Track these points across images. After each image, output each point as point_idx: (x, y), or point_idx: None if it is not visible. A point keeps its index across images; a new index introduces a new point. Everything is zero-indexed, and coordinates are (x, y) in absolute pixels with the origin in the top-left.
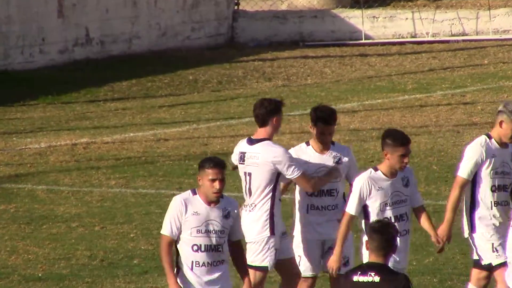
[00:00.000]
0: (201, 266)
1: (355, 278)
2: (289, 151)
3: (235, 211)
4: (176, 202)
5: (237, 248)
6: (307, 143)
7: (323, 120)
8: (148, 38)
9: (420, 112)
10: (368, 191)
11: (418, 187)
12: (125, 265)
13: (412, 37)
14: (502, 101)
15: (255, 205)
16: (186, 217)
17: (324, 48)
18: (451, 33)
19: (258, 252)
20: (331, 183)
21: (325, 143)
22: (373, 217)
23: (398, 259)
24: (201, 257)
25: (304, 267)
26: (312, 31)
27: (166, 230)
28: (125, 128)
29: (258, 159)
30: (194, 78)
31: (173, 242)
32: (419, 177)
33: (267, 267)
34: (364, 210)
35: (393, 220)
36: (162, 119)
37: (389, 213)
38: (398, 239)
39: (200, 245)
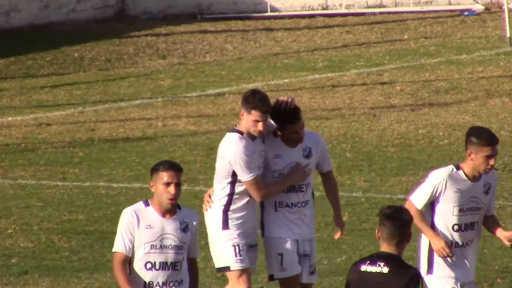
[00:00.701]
0: (155, 287)
1: (363, 267)
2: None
3: (194, 223)
4: (126, 214)
5: (191, 267)
6: (275, 134)
7: (289, 120)
8: (28, 10)
9: (332, 93)
10: (443, 189)
11: None
12: (2, 265)
13: (323, 9)
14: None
15: (214, 200)
16: (138, 231)
17: (225, 21)
18: (367, 4)
19: (215, 252)
20: None
21: (298, 141)
22: (440, 219)
23: (461, 273)
24: (156, 276)
25: (288, 265)
26: (211, 3)
27: (118, 246)
28: (2, 111)
29: (219, 151)
30: (80, 55)
31: (128, 260)
32: None
33: (228, 267)
34: (431, 208)
35: (462, 228)
36: (44, 101)
37: (460, 219)
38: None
39: (154, 262)
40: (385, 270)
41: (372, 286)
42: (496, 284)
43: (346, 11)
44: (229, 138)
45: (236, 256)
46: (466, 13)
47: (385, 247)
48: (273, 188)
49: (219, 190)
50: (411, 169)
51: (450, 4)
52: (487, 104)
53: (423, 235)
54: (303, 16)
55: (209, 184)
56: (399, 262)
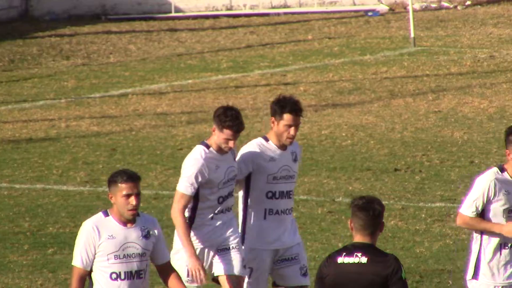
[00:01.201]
0: None
1: (340, 259)
2: (250, 146)
3: (155, 229)
4: (87, 228)
5: (168, 270)
6: (266, 139)
7: (290, 109)
8: None
9: (235, 94)
10: (492, 194)
11: None
12: None
13: (227, 9)
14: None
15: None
16: (100, 242)
17: (129, 22)
18: (271, 5)
19: (174, 264)
20: (290, 183)
21: (289, 138)
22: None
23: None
24: (121, 286)
25: (254, 280)
26: (115, 3)
27: (77, 260)
28: None
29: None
30: None
31: (86, 275)
32: None
33: None
34: (482, 213)
35: None
36: None
37: (510, 220)
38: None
39: (120, 272)
40: (364, 260)
41: (351, 277)
42: None
43: (250, 11)
44: (194, 150)
45: (187, 276)
46: (370, 13)
47: (359, 238)
48: (182, 229)
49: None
50: (313, 169)
51: (355, 4)
52: (391, 104)
53: (474, 239)
54: (207, 17)
55: None
56: (376, 251)
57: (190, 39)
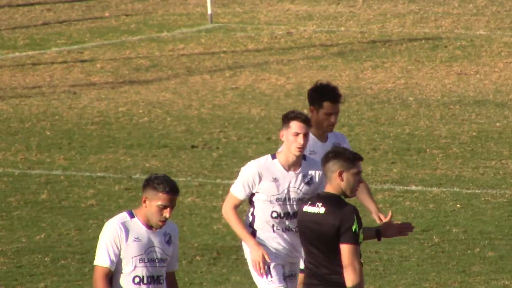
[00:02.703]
0: None
1: (305, 208)
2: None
3: (176, 236)
4: (113, 227)
5: (173, 280)
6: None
7: (330, 96)
8: None
9: (32, 71)
10: None
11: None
12: None
13: None
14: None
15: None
16: (126, 244)
17: None
18: None
19: (253, 276)
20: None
21: (329, 128)
22: None
23: None
24: None
25: None
26: None
27: (102, 259)
28: None
29: None
30: None
31: (110, 275)
32: (30, 144)
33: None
34: None
35: None
36: None
37: None
38: None
39: (143, 276)
40: (322, 210)
41: (311, 226)
42: (195, 261)
43: None
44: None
45: (267, 277)
46: None
47: (328, 188)
48: (235, 223)
49: (247, 212)
50: (111, 146)
51: None
52: (188, 81)
53: None
54: None
55: None
56: (336, 202)
57: None
